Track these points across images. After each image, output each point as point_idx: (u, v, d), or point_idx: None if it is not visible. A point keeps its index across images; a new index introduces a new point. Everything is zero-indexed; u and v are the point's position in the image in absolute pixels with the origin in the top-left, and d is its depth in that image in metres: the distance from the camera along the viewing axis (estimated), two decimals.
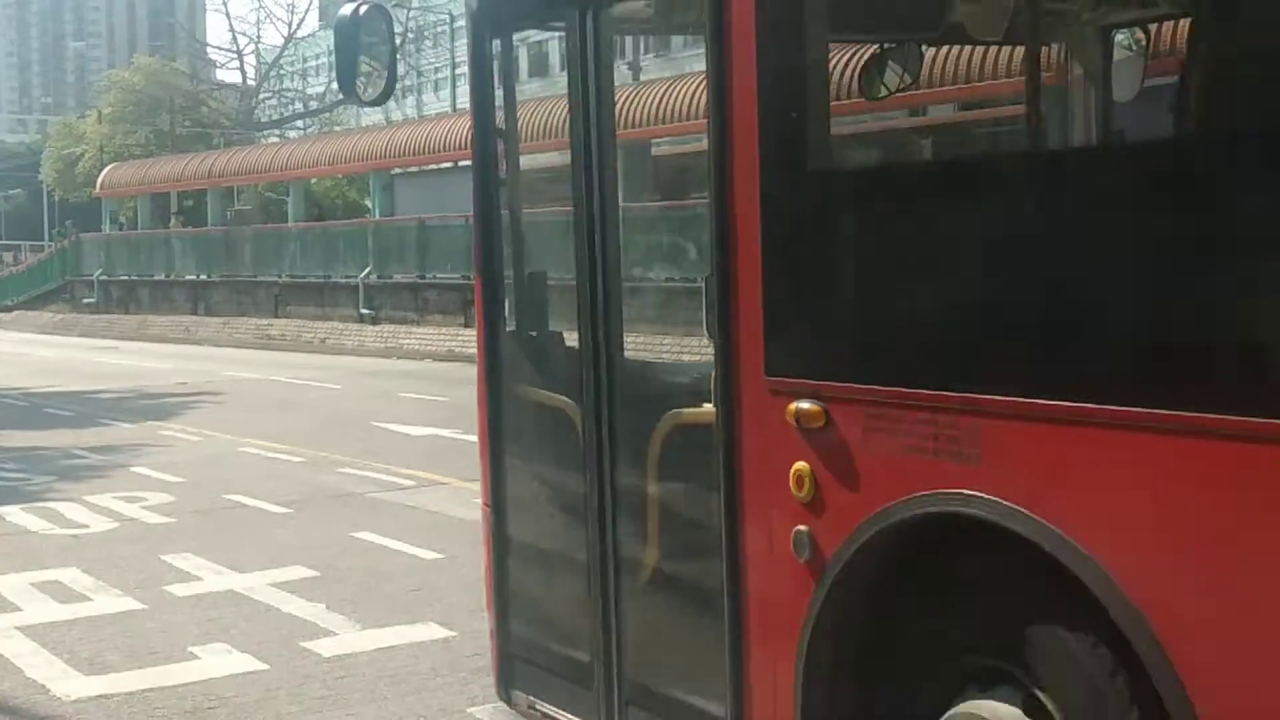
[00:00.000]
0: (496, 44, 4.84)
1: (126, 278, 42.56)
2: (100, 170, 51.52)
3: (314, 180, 42.85)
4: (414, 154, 34.18)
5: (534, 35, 4.58)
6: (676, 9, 4.46)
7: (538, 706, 4.75)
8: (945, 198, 3.34)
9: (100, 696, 6.06)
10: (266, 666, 6.41)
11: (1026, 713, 3.07)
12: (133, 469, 12.73)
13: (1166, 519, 2.72)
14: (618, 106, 4.44)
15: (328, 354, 29.24)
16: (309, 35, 70.53)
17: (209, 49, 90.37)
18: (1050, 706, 3.02)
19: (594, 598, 4.41)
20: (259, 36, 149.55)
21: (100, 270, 43.88)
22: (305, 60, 77.88)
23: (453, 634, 6.74)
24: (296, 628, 7.05)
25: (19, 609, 7.54)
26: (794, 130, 3.56)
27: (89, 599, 7.75)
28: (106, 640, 6.91)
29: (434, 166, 34.55)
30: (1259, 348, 2.57)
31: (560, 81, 4.04)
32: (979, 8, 4.24)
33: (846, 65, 4.70)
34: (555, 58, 4.61)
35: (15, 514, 10.38)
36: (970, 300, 3.18)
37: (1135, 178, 2.90)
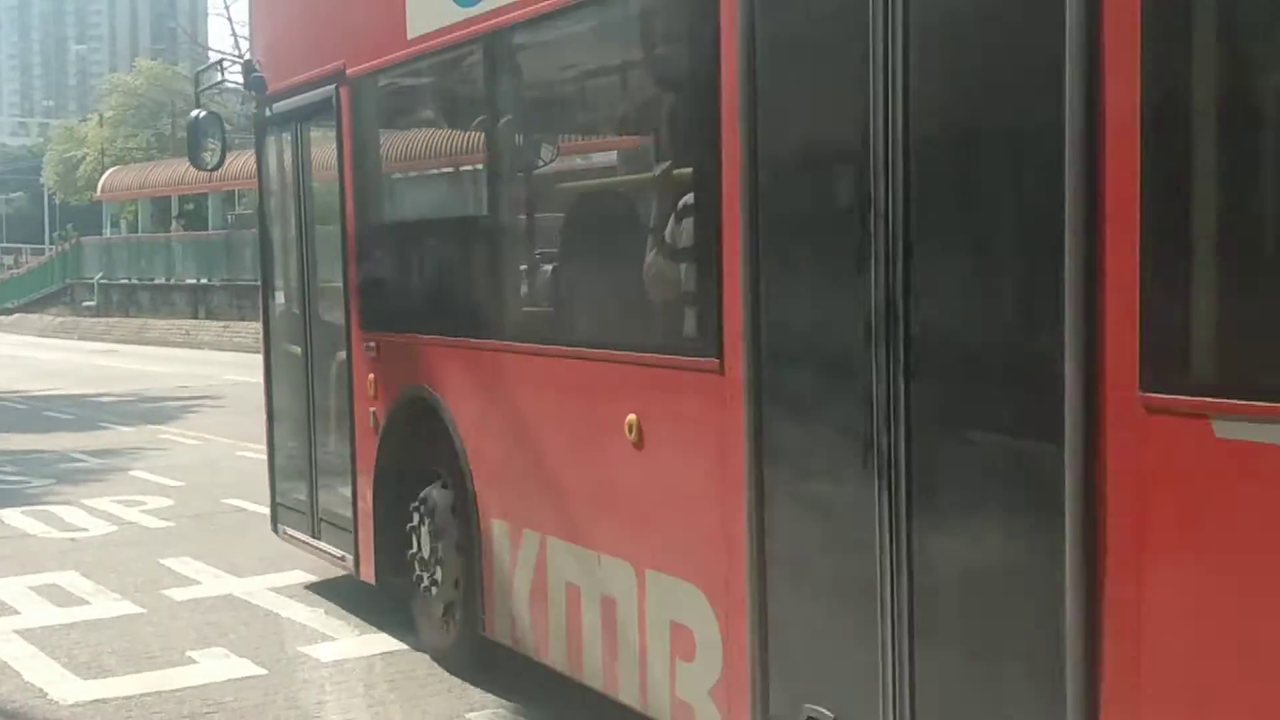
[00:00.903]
0: (267, 135, 8.12)
1: (127, 281, 42.62)
2: (101, 173, 51.64)
3: None
4: (409, 159, 34.11)
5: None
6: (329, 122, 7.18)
7: (288, 532, 8.08)
8: (411, 239, 6.87)
9: (98, 700, 6.05)
10: (265, 671, 6.40)
11: (444, 487, 6.28)
12: (132, 473, 12.71)
13: (470, 383, 5.98)
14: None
15: None
16: None
17: (211, 53, 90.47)
18: (447, 479, 6.23)
19: (306, 459, 7.74)
20: None
21: (100, 273, 43.93)
22: None
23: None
24: (295, 632, 7.05)
25: (17, 612, 7.54)
26: (367, 189, 6.93)
27: (87, 603, 7.75)
28: (104, 644, 6.90)
29: (434, 171, 34.50)
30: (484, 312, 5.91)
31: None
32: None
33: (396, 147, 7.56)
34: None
35: (14, 517, 10.38)
36: (418, 292, 6.78)
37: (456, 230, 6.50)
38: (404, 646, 6.71)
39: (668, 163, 4.91)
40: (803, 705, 4.02)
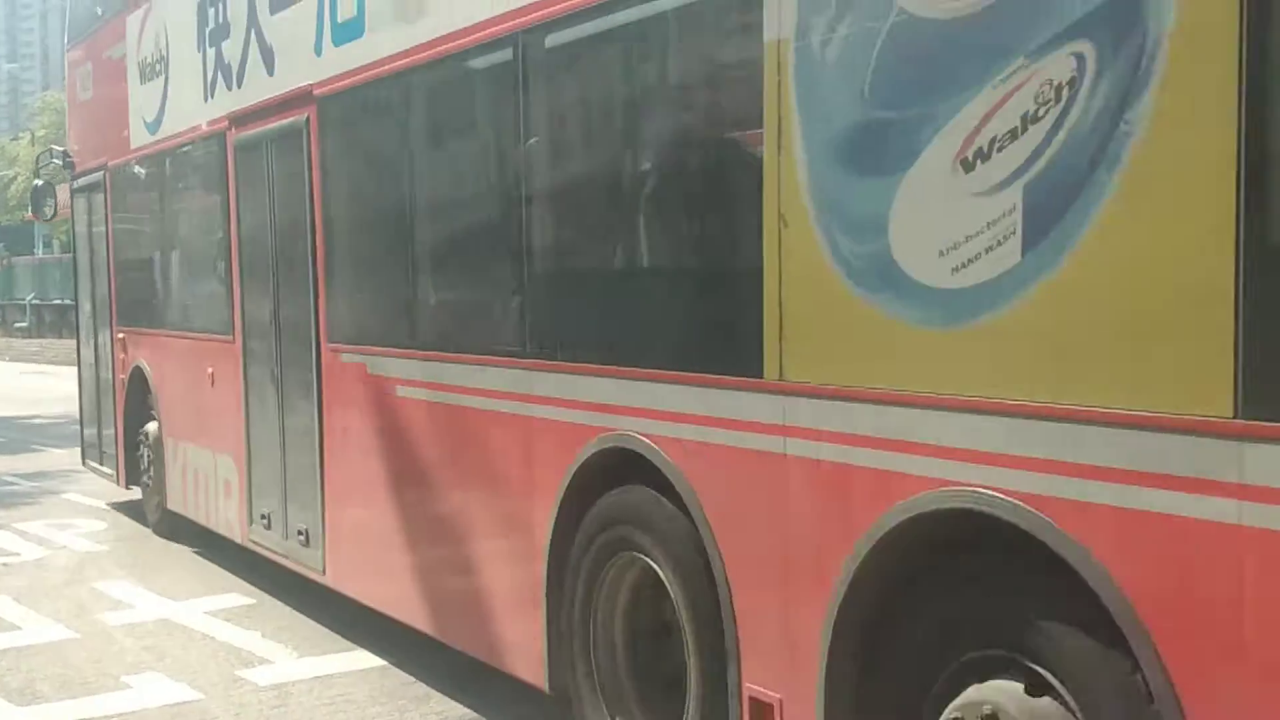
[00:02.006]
0: (75, 198, 11.85)
1: (60, 302, 42.08)
2: None
3: None
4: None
5: None
6: (102, 193, 11.05)
7: (89, 463, 11.96)
8: (133, 267, 10.61)
9: None
10: (201, 695, 6.34)
11: (155, 422, 10.29)
12: (65, 495, 12.56)
13: (155, 357, 10.10)
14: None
15: None
16: None
17: None
18: (156, 417, 10.21)
19: (96, 412, 11.63)
20: None
21: (33, 294, 43.45)
22: None
23: (390, 662, 6.70)
24: (232, 656, 6.99)
25: None
26: (117, 236, 10.82)
27: (19, 628, 7.63)
28: (37, 670, 6.81)
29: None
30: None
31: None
32: None
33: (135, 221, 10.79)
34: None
35: None
36: (136, 300, 10.44)
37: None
38: (343, 669, 6.68)
39: (215, 235, 8.66)
40: (263, 510, 7.98)
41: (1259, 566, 2.65)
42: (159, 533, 10.12)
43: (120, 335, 10.69)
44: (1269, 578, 2.64)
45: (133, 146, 10.04)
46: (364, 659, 6.80)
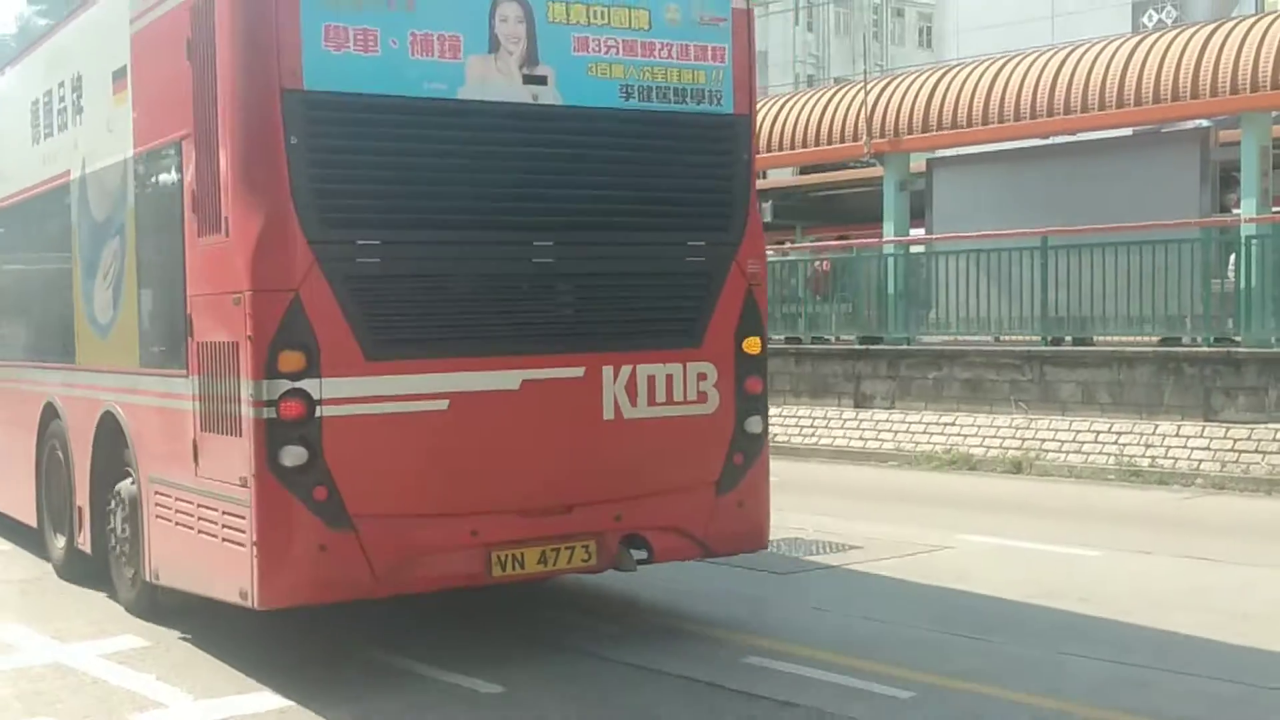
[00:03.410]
0: None
1: None
2: None
3: None
4: None
5: None
6: None
7: None
8: None
9: None
10: None
11: None
12: None
13: None
14: None
15: None
16: None
17: None
18: None
19: None
20: None
21: None
22: None
23: (289, 703, 6.60)
24: (125, 700, 6.83)
25: None
26: None
27: None
28: None
29: None
30: None
31: None
32: None
33: None
34: None
35: None
36: None
37: None
38: (242, 713, 6.57)
39: None
40: None
41: (183, 421, 8.12)
42: None
43: None
44: (176, 424, 7.73)
45: None
46: (265, 700, 6.69)
